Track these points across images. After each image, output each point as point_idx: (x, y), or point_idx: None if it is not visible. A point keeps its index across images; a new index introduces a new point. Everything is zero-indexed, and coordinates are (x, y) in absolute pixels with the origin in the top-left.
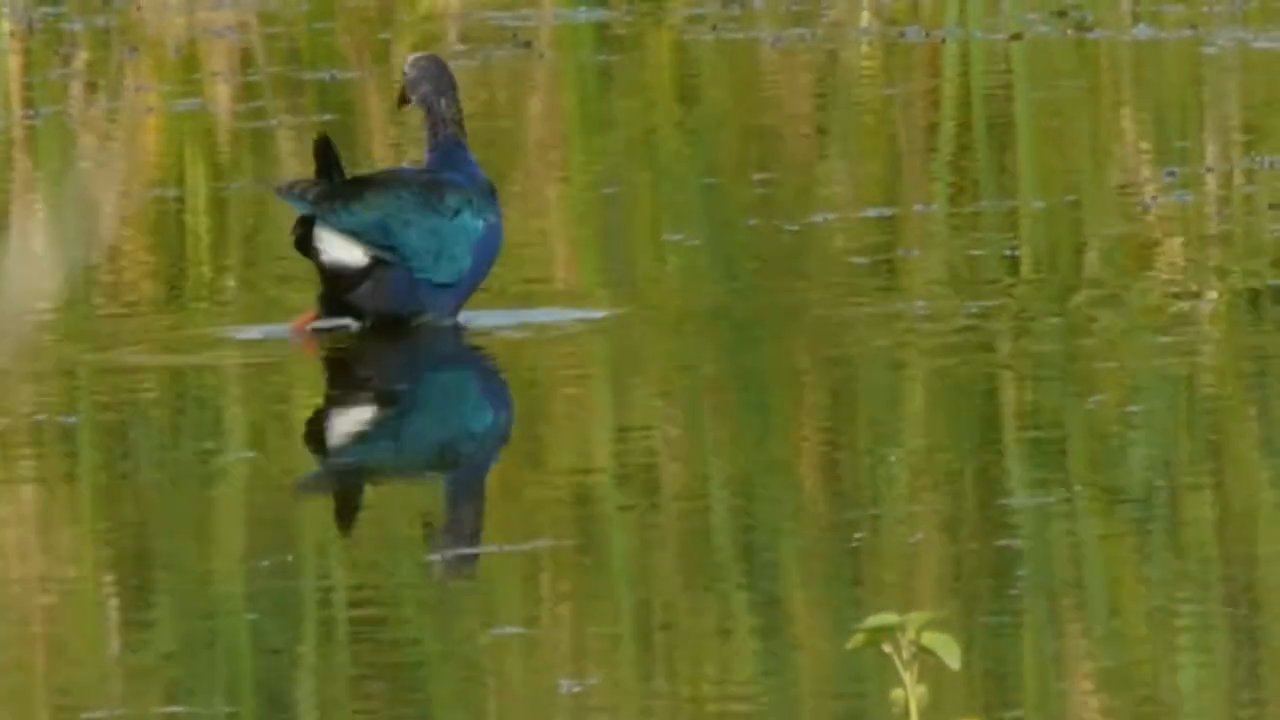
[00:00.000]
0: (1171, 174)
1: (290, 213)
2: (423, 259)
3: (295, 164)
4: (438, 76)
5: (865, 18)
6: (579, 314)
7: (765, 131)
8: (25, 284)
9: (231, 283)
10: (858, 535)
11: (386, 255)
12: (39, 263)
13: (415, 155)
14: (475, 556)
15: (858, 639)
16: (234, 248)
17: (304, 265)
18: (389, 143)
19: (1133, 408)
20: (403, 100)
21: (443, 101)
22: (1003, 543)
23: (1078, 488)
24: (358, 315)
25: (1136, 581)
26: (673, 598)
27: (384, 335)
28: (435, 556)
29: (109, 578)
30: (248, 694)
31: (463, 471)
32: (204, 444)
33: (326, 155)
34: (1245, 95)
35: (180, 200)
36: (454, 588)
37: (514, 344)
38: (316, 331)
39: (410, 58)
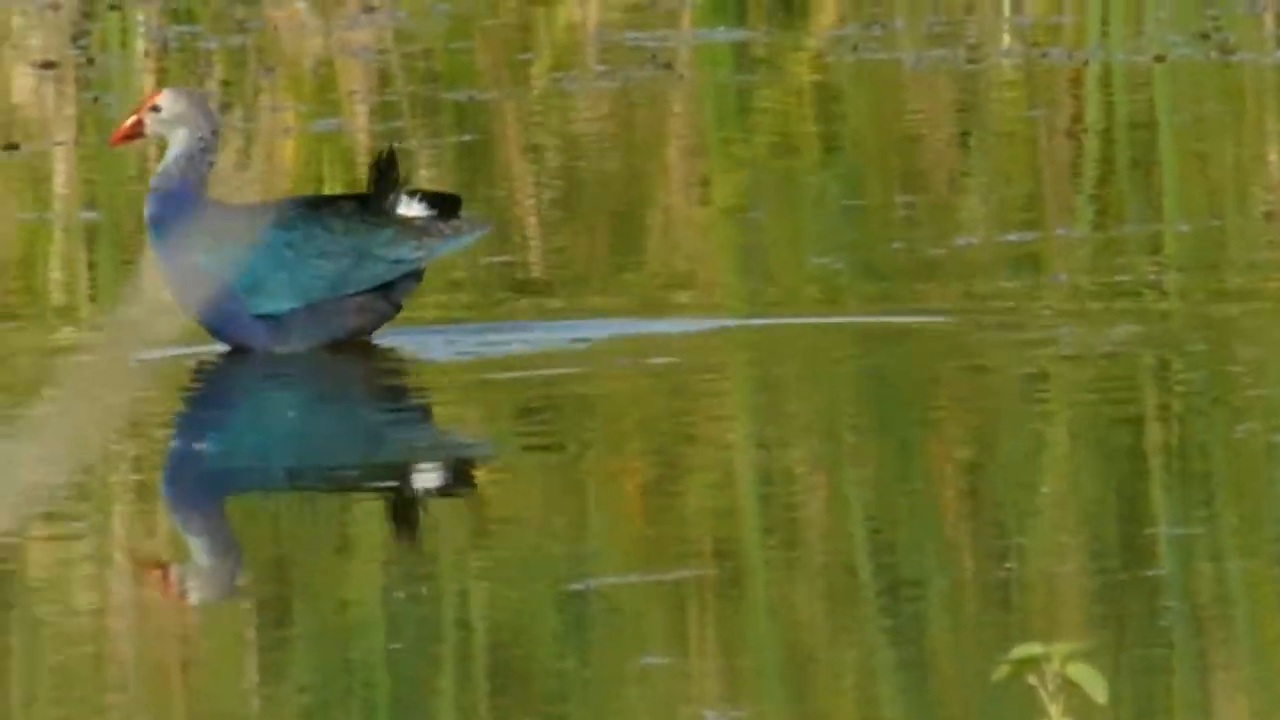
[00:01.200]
0: None
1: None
2: None
3: (432, 185)
4: (211, 114)
5: (1007, 39)
6: (717, 328)
7: (907, 153)
8: (161, 305)
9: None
10: (1003, 565)
11: None
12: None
13: (552, 176)
14: (611, 586)
15: (1003, 670)
16: None
17: (440, 278)
18: (528, 162)
19: None
20: (133, 135)
21: (215, 143)
22: (1150, 573)
23: (1226, 517)
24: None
25: None
26: (817, 627)
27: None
28: (579, 585)
29: (246, 604)
30: None
31: (598, 496)
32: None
33: (391, 169)
34: None
35: None
36: (596, 617)
37: (656, 362)
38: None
39: (168, 91)
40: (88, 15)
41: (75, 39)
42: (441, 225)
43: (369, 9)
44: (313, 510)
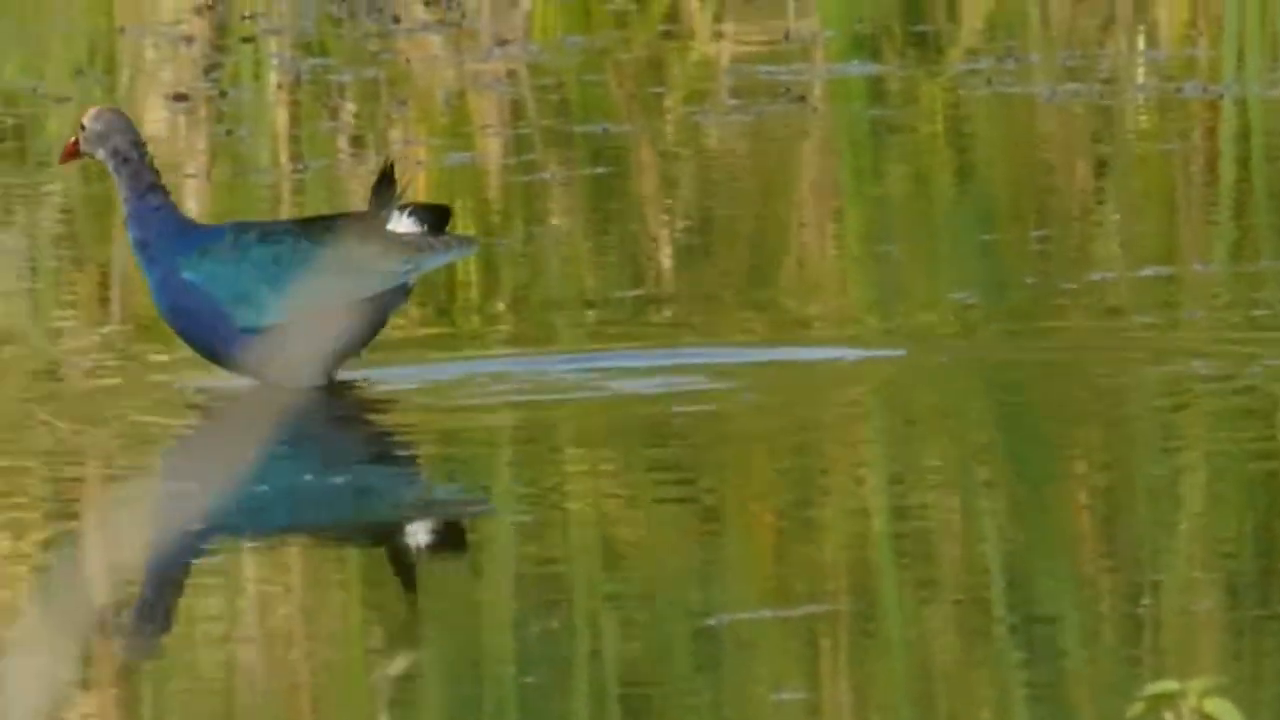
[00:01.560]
0: None
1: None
2: None
3: (565, 218)
4: (129, 128)
5: (1141, 73)
6: (851, 359)
7: (1041, 187)
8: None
9: (502, 334)
10: (1139, 600)
11: None
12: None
13: (685, 209)
14: (744, 621)
15: (1139, 707)
16: (504, 301)
17: (577, 312)
18: (661, 195)
19: None
20: (74, 154)
21: (139, 154)
22: None
23: None
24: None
25: None
26: (950, 662)
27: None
28: (713, 621)
29: (376, 639)
30: None
31: (725, 527)
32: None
33: (389, 184)
34: None
35: None
36: (728, 652)
37: (789, 394)
38: None
39: (92, 111)
40: (220, 48)
41: (208, 72)
42: (430, 240)
43: (502, 42)
44: (442, 541)
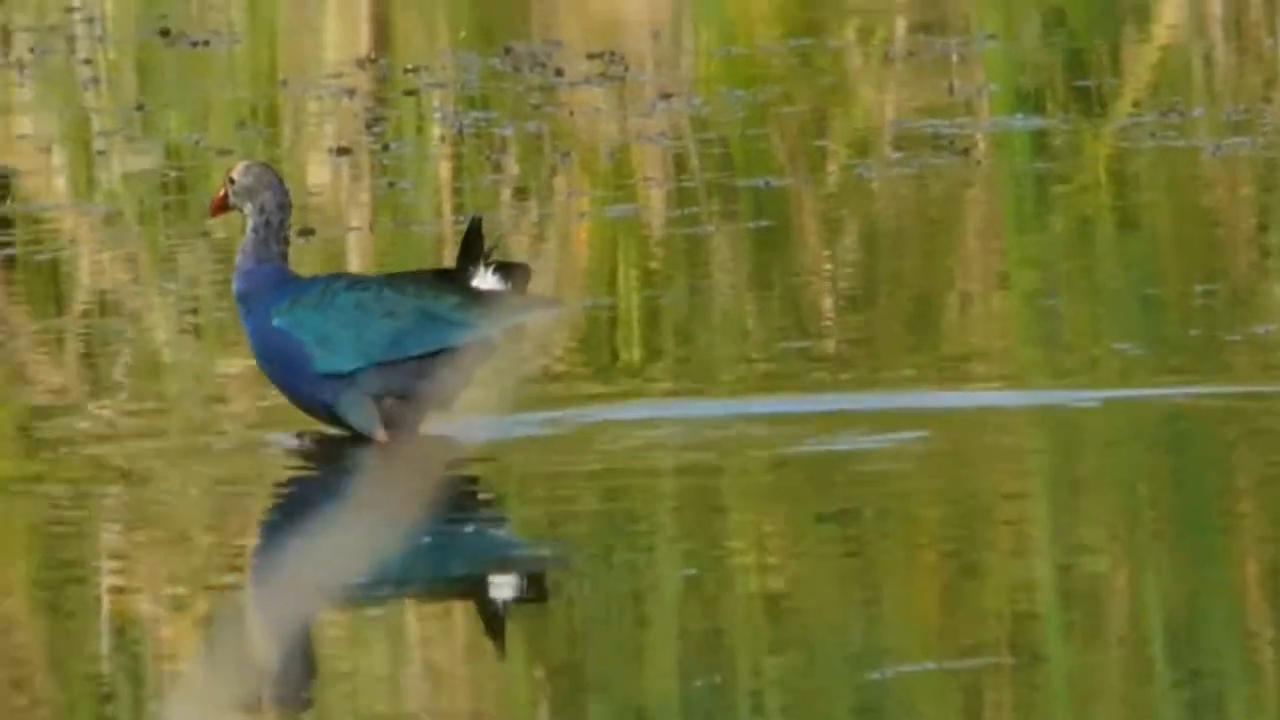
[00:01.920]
0: None
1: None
2: None
3: (728, 271)
4: (278, 187)
5: None
6: (1015, 406)
7: (1206, 240)
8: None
9: (665, 388)
10: None
11: None
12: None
13: (848, 262)
14: (907, 674)
15: None
16: (666, 355)
17: (737, 368)
18: (824, 248)
19: None
20: (224, 207)
21: (280, 217)
22: None
23: None
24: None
25: None
26: (1115, 717)
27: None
28: (876, 673)
29: (540, 692)
30: None
31: (889, 576)
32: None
33: (477, 241)
34: None
35: (613, 308)
36: (898, 703)
37: (953, 442)
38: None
39: (241, 164)
40: (382, 102)
41: (370, 125)
42: (512, 297)
43: (666, 96)
44: (606, 596)
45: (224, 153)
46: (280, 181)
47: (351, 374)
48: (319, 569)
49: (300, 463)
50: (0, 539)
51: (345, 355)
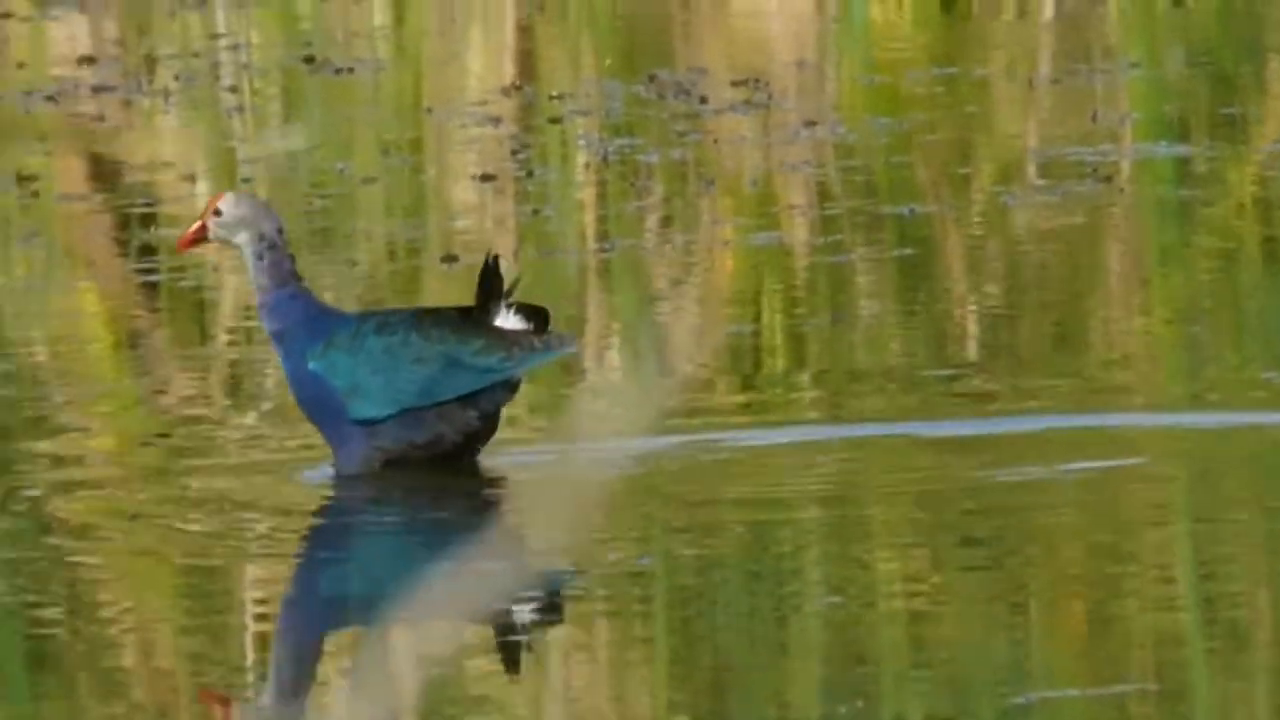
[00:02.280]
0: None
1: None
2: None
3: (872, 298)
4: (273, 215)
5: None
6: (1160, 429)
7: None
8: (606, 416)
9: (810, 413)
10: None
11: None
12: (617, 396)
13: (992, 289)
14: (1053, 700)
15: None
16: (810, 381)
17: (880, 394)
18: (968, 276)
19: None
20: (199, 240)
21: (283, 240)
22: None
23: None
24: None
25: None
26: None
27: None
28: (1020, 699)
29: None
30: None
31: (1034, 602)
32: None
33: (494, 279)
34: None
35: (756, 335)
36: None
37: (1100, 465)
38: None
39: (229, 196)
40: (528, 129)
41: (515, 153)
42: (533, 338)
43: (809, 123)
44: (750, 625)
45: (368, 181)
46: (273, 210)
47: (382, 420)
48: (464, 594)
49: (444, 489)
50: (142, 570)
51: (377, 402)
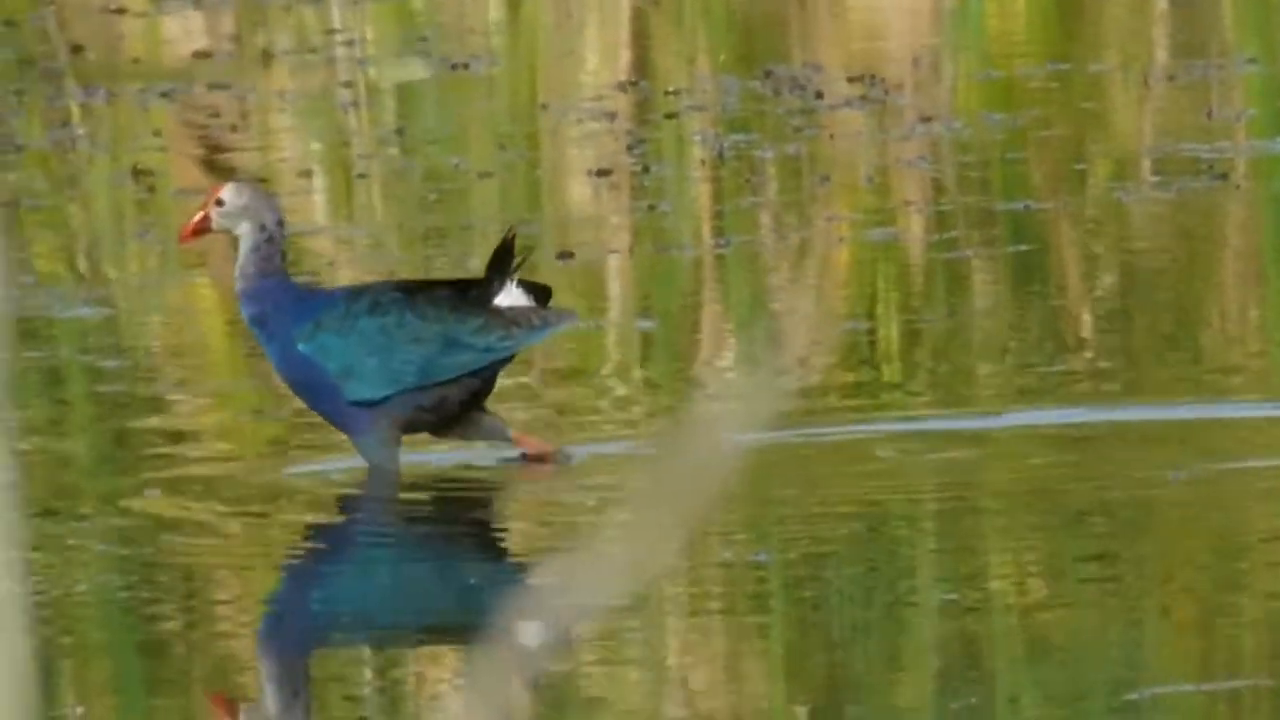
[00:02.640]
0: None
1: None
2: None
3: (986, 297)
4: (275, 206)
5: None
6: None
7: None
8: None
9: (927, 412)
10: None
11: None
12: (733, 391)
13: (1107, 285)
14: (1167, 695)
15: None
16: (925, 377)
17: (987, 382)
18: (1083, 272)
19: None
20: (202, 231)
21: (281, 234)
22: None
23: None
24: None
25: None
26: None
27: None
28: (1135, 695)
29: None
30: None
31: (1148, 596)
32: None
33: (507, 256)
34: None
35: (871, 330)
36: None
37: (1214, 458)
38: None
39: (230, 185)
40: (643, 124)
41: (630, 148)
42: (530, 314)
43: (925, 119)
44: (865, 619)
45: (484, 175)
46: (275, 201)
47: (380, 401)
48: (579, 591)
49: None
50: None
51: (373, 384)
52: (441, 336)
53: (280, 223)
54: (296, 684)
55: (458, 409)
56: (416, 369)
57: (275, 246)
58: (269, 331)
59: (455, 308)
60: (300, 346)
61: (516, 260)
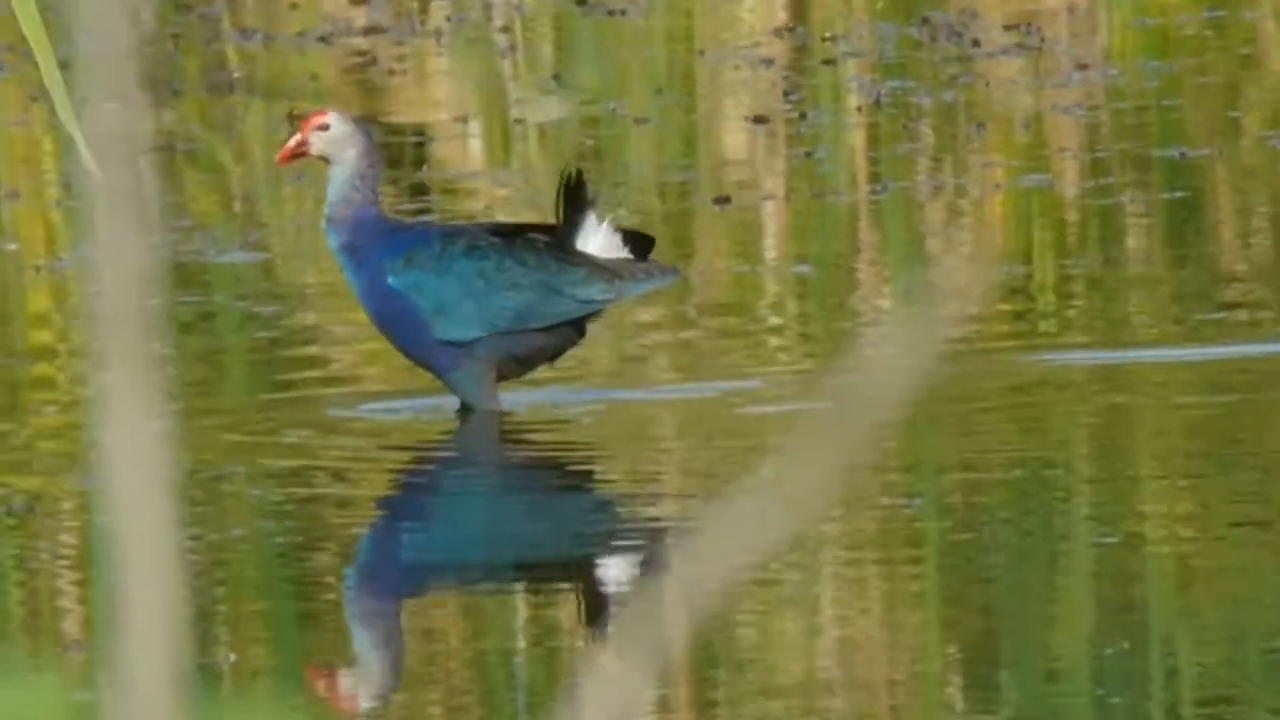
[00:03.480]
0: None
1: None
2: None
3: (1142, 241)
4: (372, 137)
5: None
6: None
7: None
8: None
9: (1076, 338)
10: None
11: None
12: (890, 337)
13: (1262, 234)
14: None
15: None
16: (1079, 318)
17: (1142, 324)
18: (1238, 220)
19: None
20: (299, 155)
21: (379, 170)
22: None
23: None
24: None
25: None
26: None
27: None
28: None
29: (951, 649)
30: None
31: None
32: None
33: (580, 194)
34: None
35: (1028, 276)
36: None
37: None
38: None
39: (332, 113)
40: (800, 71)
41: (787, 94)
42: (633, 267)
43: (1081, 66)
44: (1021, 564)
45: (640, 121)
46: (371, 135)
47: (468, 343)
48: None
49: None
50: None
51: (466, 325)
52: (542, 285)
53: (378, 159)
54: (439, 624)
55: (545, 357)
56: (513, 314)
57: (375, 175)
58: (358, 260)
59: (557, 257)
60: (391, 280)
61: (590, 196)
